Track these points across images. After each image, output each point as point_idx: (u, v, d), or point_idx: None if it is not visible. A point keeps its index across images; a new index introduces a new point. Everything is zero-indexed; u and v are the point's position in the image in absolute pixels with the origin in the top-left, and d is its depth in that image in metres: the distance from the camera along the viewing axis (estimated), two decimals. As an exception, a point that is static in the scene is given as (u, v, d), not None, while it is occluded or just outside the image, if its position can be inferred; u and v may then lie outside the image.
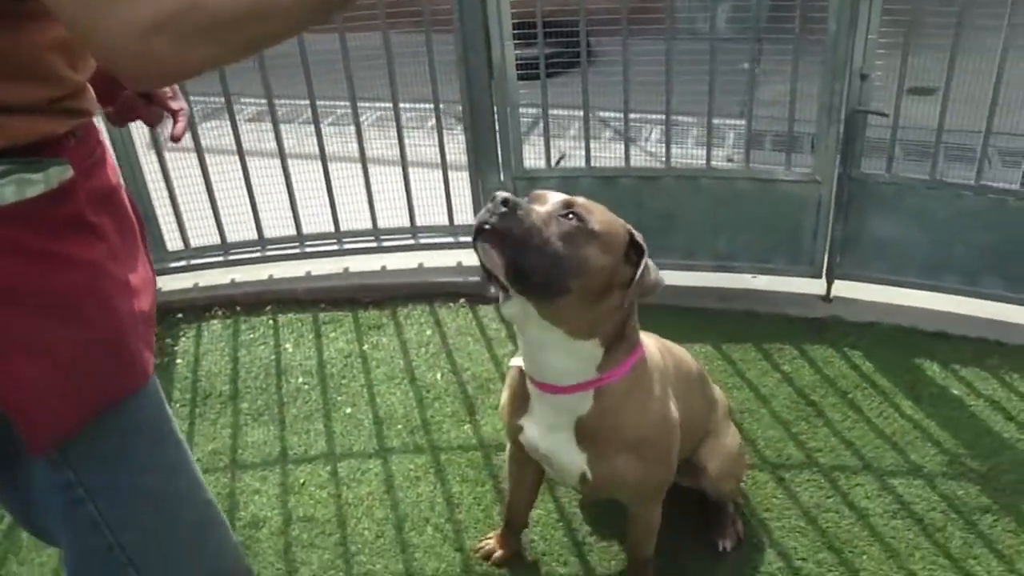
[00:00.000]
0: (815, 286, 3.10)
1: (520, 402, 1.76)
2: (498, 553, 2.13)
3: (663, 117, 3.04)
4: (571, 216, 1.51)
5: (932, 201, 2.86)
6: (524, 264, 1.45)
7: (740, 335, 2.94)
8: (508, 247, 1.44)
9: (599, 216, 1.55)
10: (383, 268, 3.38)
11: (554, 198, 1.55)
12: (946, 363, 2.75)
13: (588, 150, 3.11)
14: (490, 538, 2.17)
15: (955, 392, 2.63)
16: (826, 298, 3.08)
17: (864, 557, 2.10)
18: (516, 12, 2.89)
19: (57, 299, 1.09)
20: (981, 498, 2.24)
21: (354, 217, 3.35)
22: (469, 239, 3.37)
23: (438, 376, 2.83)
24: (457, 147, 3.24)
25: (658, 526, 1.92)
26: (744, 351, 2.86)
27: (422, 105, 3.37)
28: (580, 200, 1.55)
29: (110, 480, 1.22)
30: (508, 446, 1.98)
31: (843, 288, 3.09)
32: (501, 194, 1.46)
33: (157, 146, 3.10)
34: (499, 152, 3.11)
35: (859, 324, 2.95)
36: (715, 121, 3.08)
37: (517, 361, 1.75)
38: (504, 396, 1.85)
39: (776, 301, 3.10)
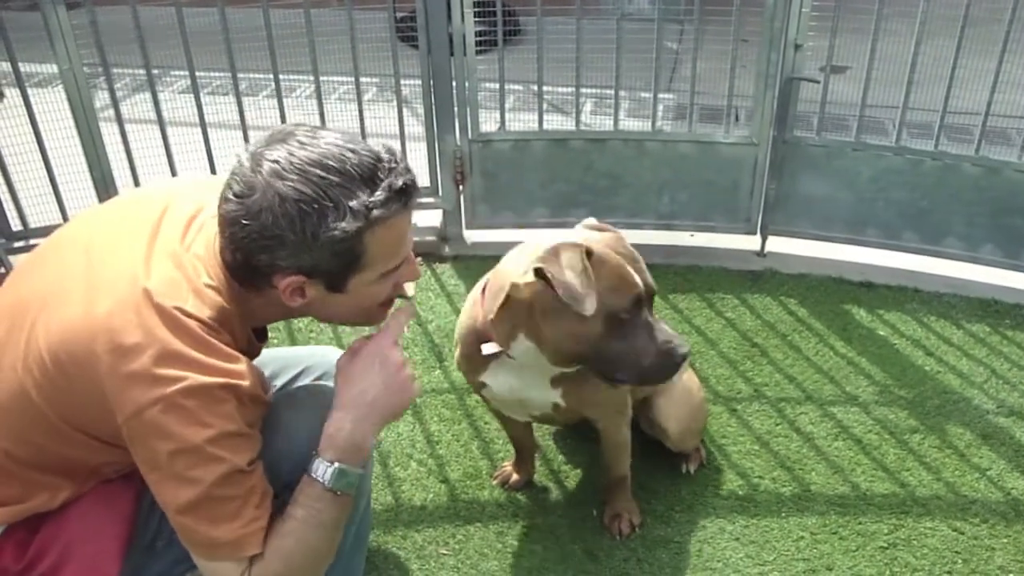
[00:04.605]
0: (750, 242, 3.35)
1: (478, 362, 1.87)
2: (514, 478, 2.29)
3: (596, 90, 3.23)
4: None
5: (857, 162, 3.14)
6: None
7: (685, 287, 3.16)
8: None
9: None
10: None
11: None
12: (872, 308, 3.03)
13: (541, 113, 3.28)
14: (506, 466, 2.32)
15: (881, 333, 2.91)
16: (761, 253, 3.33)
17: (813, 473, 2.34)
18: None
19: None
20: (910, 421, 2.52)
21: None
22: (424, 200, 3.48)
23: (404, 328, 2.95)
24: (412, 118, 3.39)
25: (628, 445, 2.10)
26: (689, 301, 3.08)
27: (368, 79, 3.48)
28: None
29: None
30: None
31: (776, 243, 3.35)
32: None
33: (118, 117, 3.11)
34: (456, 117, 3.25)
35: (792, 275, 3.21)
36: (645, 95, 3.29)
37: (465, 326, 1.88)
38: (458, 356, 1.95)
39: (715, 256, 3.34)
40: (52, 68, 2.92)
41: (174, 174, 3.24)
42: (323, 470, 1.40)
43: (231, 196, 1.31)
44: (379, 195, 1.30)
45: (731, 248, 3.37)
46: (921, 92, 3.01)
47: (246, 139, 3.22)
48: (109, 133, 3.14)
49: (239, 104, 3.17)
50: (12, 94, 2.97)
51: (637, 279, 1.67)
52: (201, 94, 3.16)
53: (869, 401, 2.59)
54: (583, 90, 3.28)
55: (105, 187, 3.15)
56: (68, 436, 1.34)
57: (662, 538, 2.15)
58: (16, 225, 3.14)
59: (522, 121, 3.45)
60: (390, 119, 3.35)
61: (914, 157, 3.07)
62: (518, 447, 2.27)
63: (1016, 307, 3.03)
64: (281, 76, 3.17)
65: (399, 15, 3.32)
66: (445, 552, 2.12)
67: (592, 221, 1.83)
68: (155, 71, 3.09)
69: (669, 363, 1.68)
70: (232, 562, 1.35)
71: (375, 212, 1.30)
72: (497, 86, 3.25)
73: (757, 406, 2.58)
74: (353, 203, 1.28)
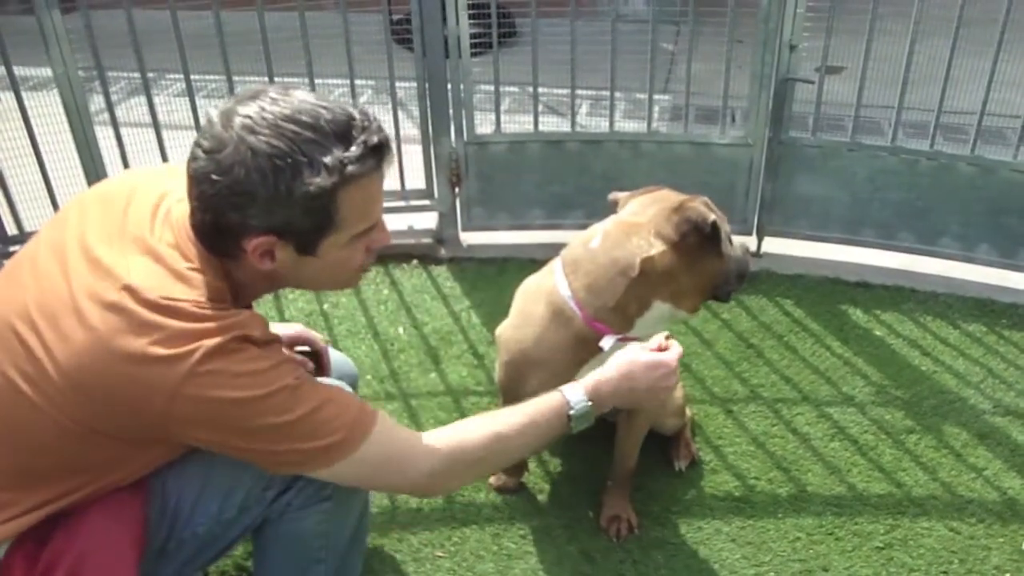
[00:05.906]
0: (746, 243, 3.33)
1: (576, 367, 1.85)
2: (511, 484, 2.28)
3: (592, 92, 3.23)
4: None
5: (853, 162, 3.14)
6: None
7: (681, 288, 3.15)
8: None
9: None
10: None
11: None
12: (868, 308, 3.03)
13: (536, 115, 3.28)
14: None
15: (877, 333, 2.91)
16: (757, 253, 3.33)
17: (809, 474, 2.34)
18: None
19: None
20: (906, 421, 2.52)
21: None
22: (420, 202, 3.49)
23: (400, 330, 2.96)
24: (408, 120, 3.39)
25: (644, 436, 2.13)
26: (686, 302, 3.08)
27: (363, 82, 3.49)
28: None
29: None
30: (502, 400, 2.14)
31: (772, 244, 3.34)
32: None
33: (114, 120, 3.11)
34: (452, 119, 3.25)
35: (788, 276, 3.21)
36: (641, 96, 3.29)
37: (550, 337, 1.87)
38: (543, 375, 1.86)
39: (712, 257, 3.33)
40: (47, 72, 2.92)
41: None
42: (579, 397, 1.54)
43: (200, 153, 1.29)
44: (354, 151, 1.28)
45: (727, 249, 3.37)
46: (916, 92, 3.01)
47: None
48: (104, 137, 3.13)
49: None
50: (7, 98, 2.97)
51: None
52: (196, 97, 3.15)
53: (865, 402, 2.59)
54: (579, 92, 3.28)
55: (100, 191, 3.14)
56: (83, 437, 1.32)
57: (658, 540, 2.15)
58: (11, 229, 3.14)
59: (518, 123, 3.46)
60: (385, 122, 3.31)
61: (910, 157, 3.08)
62: None
63: (1012, 307, 3.04)
64: (276, 79, 3.16)
65: (394, 17, 3.32)
66: (441, 555, 2.12)
67: (624, 193, 2.03)
68: (150, 74, 3.09)
69: (747, 256, 1.98)
70: (369, 440, 1.38)
71: (350, 168, 1.28)
72: (492, 88, 3.25)
73: (753, 407, 2.57)
74: (327, 159, 1.26)
